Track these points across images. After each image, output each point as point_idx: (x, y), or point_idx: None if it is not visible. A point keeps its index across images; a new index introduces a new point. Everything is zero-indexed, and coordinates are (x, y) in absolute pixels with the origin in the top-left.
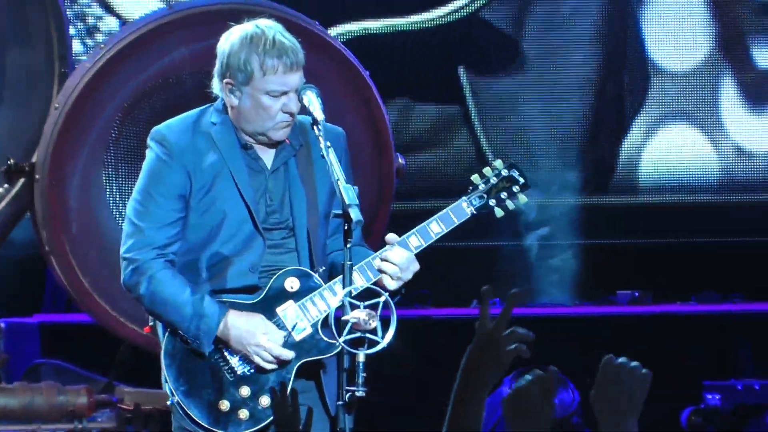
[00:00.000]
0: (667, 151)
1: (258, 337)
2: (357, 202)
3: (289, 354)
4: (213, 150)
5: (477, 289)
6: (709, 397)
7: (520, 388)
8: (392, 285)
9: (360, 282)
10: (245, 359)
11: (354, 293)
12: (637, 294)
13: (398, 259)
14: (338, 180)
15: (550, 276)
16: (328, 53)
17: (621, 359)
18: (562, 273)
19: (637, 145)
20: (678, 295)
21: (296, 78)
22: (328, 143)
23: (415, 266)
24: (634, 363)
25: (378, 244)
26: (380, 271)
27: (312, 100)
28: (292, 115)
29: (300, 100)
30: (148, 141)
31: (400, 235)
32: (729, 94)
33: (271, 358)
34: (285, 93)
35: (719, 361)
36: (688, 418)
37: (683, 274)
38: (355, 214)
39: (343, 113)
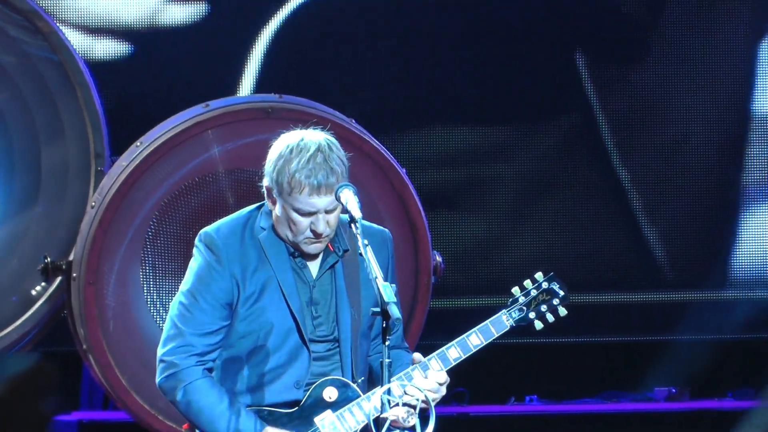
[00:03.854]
0: None
1: None
2: (396, 300)
3: None
4: (262, 258)
5: (514, 385)
6: None
7: None
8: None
9: (398, 392)
10: None
11: (391, 398)
12: (674, 390)
13: (430, 387)
14: (376, 278)
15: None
16: (364, 150)
17: None
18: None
19: None
20: (715, 391)
21: (326, 200)
22: (366, 241)
23: (443, 392)
24: None
25: (415, 342)
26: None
27: (349, 199)
28: (319, 235)
29: (337, 198)
30: (197, 242)
31: (436, 338)
32: None
33: None
34: (313, 213)
35: None
36: None
37: (720, 370)
38: (393, 311)
39: (378, 210)
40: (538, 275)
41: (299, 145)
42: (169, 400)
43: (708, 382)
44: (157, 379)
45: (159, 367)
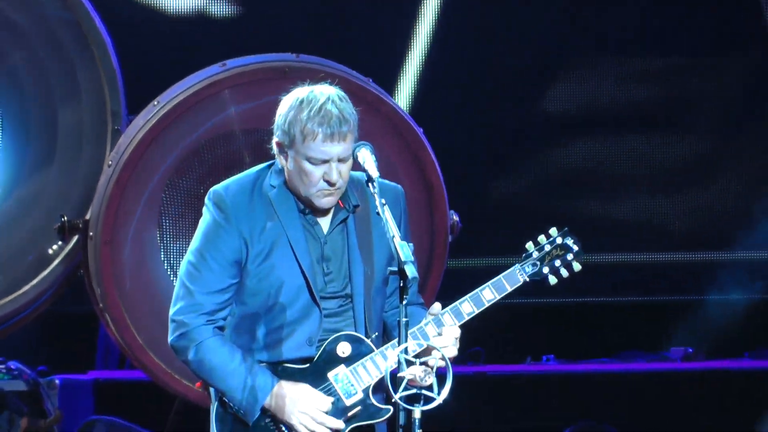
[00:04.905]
0: None
1: (301, 405)
2: (413, 259)
3: (334, 422)
4: (271, 215)
5: (531, 345)
6: None
7: None
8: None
9: (413, 347)
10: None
11: (408, 357)
12: (690, 350)
13: (446, 343)
14: (393, 237)
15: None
16: (380, 110)
17: None
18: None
19: None
20: (731, 351)
21: (339, 148)
22: (383, 200)
23: (457, 347)
24: None
25: (432, 301)
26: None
27: (366, 158)
28: (332, 185)
29: (354, 157)
30: (206, 201)
31: (453, 299)
32: None
33: (314, 426)
34: (326, 161)
35: None
36: None
37: (735, 330)
38: (410, 271)
39: (394, 169)
40: (552, 230)
41: (309, 97)
42: (182, 360)
43: (724, 342)
44: (169, 339)
45: (170, 327)
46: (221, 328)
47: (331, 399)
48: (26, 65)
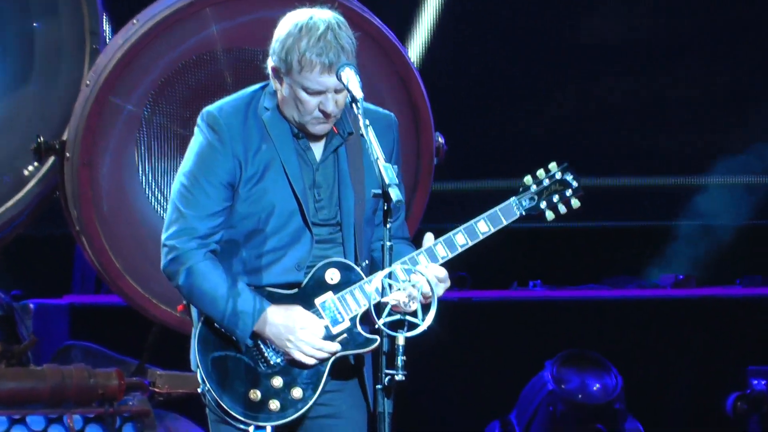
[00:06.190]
0: None
1: (296, 331)
2: (397, 181)
3: (331, 346)
4: (265, 138)
5: (518, 270)
6: (755, 382)
7: None
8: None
9: (401, 277)
10: (280, 350)
11: (393, 282)
12: (681, 277)
13: (432, 277)
14: (378, 159)
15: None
16: (365, 29)
17: None
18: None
19: None
20: (723, 278)
21: (335, 80)
22: (367, 122)
23: (447, 284)
24: None
25: (415, 226)
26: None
27: (350, 78)
28: (328, 115)
29: (338, 78)
30: (198, 122)
31: (439, 230)
32: None
33: (313, 352)
34: (322, 92)
35: (765, 345)
36: (733, 405)
37: (727, 256)
38: (395, 193)
39: (378, 89)
40: (552, 165)
41: (308, 23)
42: (174, 286)
43: (715, 268)
44: (162, 264)
45: (162, 252)
46: (214, 252)
47: (325, 322)
48: None
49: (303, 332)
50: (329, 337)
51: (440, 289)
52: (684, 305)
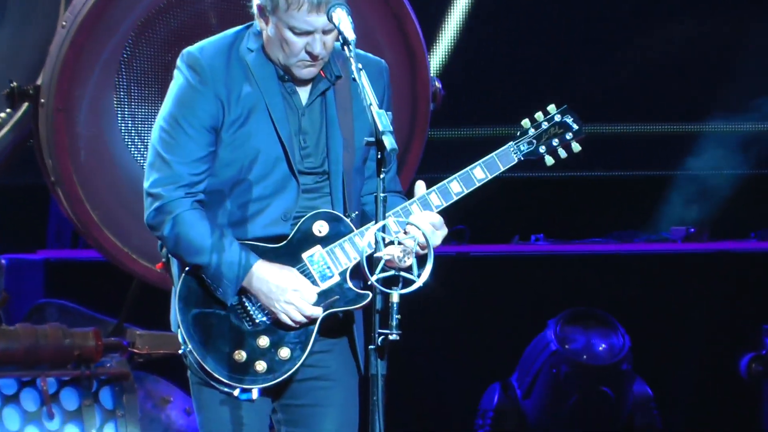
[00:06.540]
0: None
1: (288, 294)
2: (391, 128)
3: (315, 311)
4: (249, 80)
5: (519, 223)
6: None
7: None
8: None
9: (395, 229)
10: (266, 308)
11: (386, 236)
12: (693, 230)
13: (426, 226)
14: (371, 105)
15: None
16: None
17: None
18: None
19: None
20: (737, 231)
21: (324, 20)
22: (360, 65)
23: (444, 231)
24: None
25: (411, 176)
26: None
27: (342, 19)
28: (315, 58)
29: (329, 18)
30: (178, 62)
31: (435, 180)
32: None
33: (300, 318)
34: (310, 33)
35: None
36: (747, 366)
37: (743, 209)
38: (389, 141)
39: (371, 30)
40: (551, 107)
41: None
42: (158, 237)
43: (729, 221)
44: (145, 215)
45: (146, 201)
46: (200, 202)
47: (317, 289)
48: None
49: (293, 295)
50: (317, 292)
51: (437, 238)
52: (696, 260)
